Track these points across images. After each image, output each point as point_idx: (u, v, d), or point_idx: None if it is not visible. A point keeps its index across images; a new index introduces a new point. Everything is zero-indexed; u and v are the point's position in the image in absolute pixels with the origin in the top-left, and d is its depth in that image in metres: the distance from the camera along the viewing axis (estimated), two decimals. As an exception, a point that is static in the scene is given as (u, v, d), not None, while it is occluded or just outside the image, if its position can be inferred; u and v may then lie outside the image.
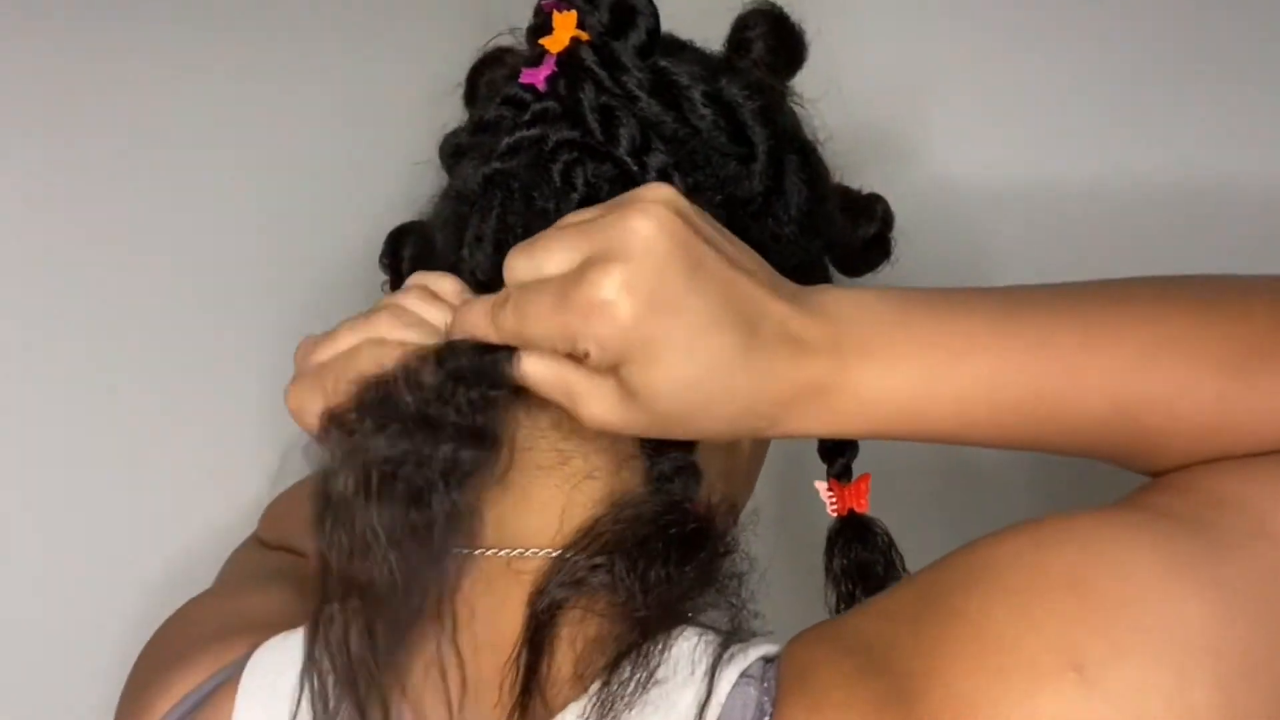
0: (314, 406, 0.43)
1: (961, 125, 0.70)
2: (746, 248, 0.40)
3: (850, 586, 0.51)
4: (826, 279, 0.53)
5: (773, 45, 0.49)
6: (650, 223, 0.37)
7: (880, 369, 0.38)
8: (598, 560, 0.40)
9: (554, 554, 0.41)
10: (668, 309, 0.36)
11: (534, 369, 0.40)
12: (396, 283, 0.54)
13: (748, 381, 0.38)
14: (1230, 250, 0.60)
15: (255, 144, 0.72)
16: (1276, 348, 0.36)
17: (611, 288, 0.36)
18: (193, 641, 0.48)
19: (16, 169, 0.62)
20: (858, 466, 0.53)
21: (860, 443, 0.53)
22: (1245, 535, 0.35)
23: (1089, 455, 0.40)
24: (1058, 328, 0.38)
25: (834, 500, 0.53)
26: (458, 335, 0.42)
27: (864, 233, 0.52)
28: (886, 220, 0.53)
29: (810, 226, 0.49)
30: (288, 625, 0.44)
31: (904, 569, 0.51)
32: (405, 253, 0.54)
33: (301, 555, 0.61)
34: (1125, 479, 0.41)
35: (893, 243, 0.53)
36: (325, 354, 0.44)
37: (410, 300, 0.45)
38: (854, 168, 0.53)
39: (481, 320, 0.41)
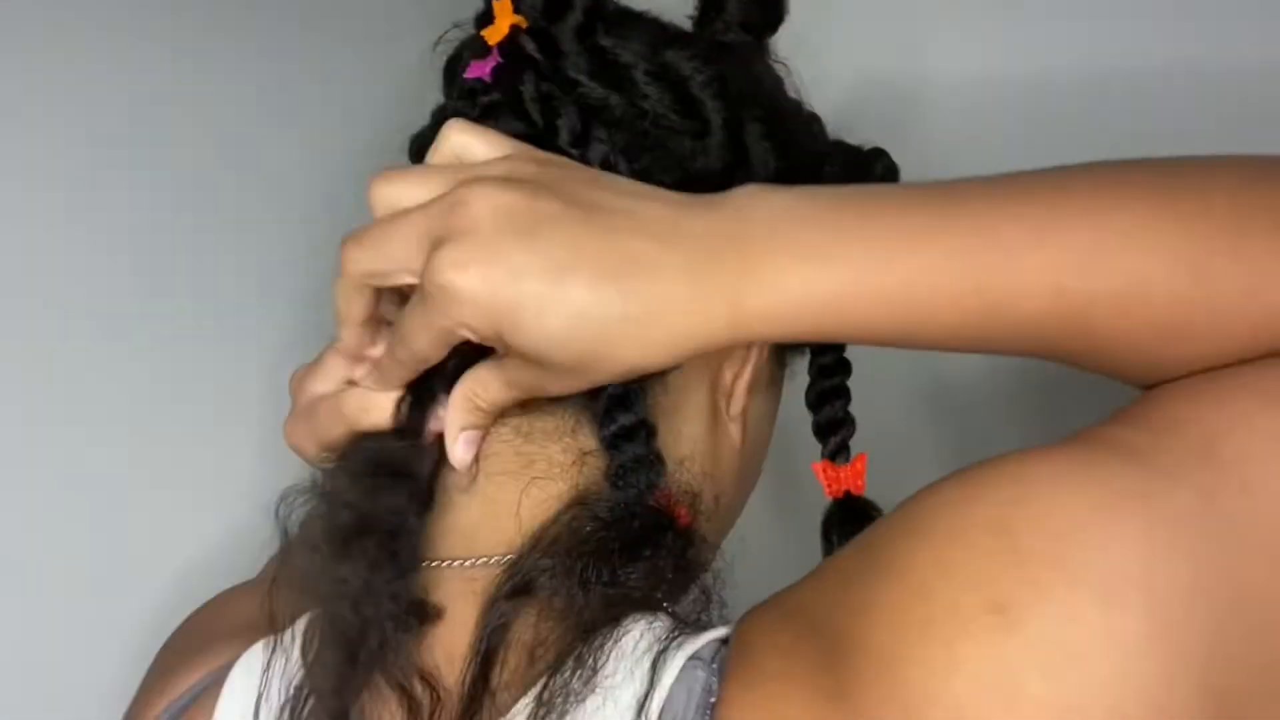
0: (309, 445, 0.46)
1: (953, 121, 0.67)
2: (628, 181, 0.40)
3: None
4: None
5: (746, 3, 0.47)
6: (472, 200, 0.37)
7: (796, 265, 0.36)
8: (544, 563, 0.39)
9: (507, 559, 0.41)
10: (509, 273, 0.36)
11: (452, 416, 0.42)
12: None
13: (632, 310, 0.36)
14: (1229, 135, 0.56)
15: (256, 144, 0.72)
16: (1235, 245, 0.34)
17: (448, 269, 0.37)
18: (194, 643, 0.49)
19: (12, 169, 0.62)
20: (856, 446, 0.51)
21: (858, 422, 0.51)
22: (1191, 464, 0.33)
23: (1041, 355, 0.38)
24: (999, 218, 0.36)
25: (830, 483, 0.51)
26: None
27: None
28: (889, 177, 0.50)
29: None
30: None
31: None
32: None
33: None
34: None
35: None
36: (316, 388, 0.46)
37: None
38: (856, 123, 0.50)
39: (376, 380, 0.43)
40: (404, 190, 0.40)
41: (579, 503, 0.41)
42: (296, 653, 0.41)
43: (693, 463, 0.45)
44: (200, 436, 0.69)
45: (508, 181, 0.38)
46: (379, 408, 0.43)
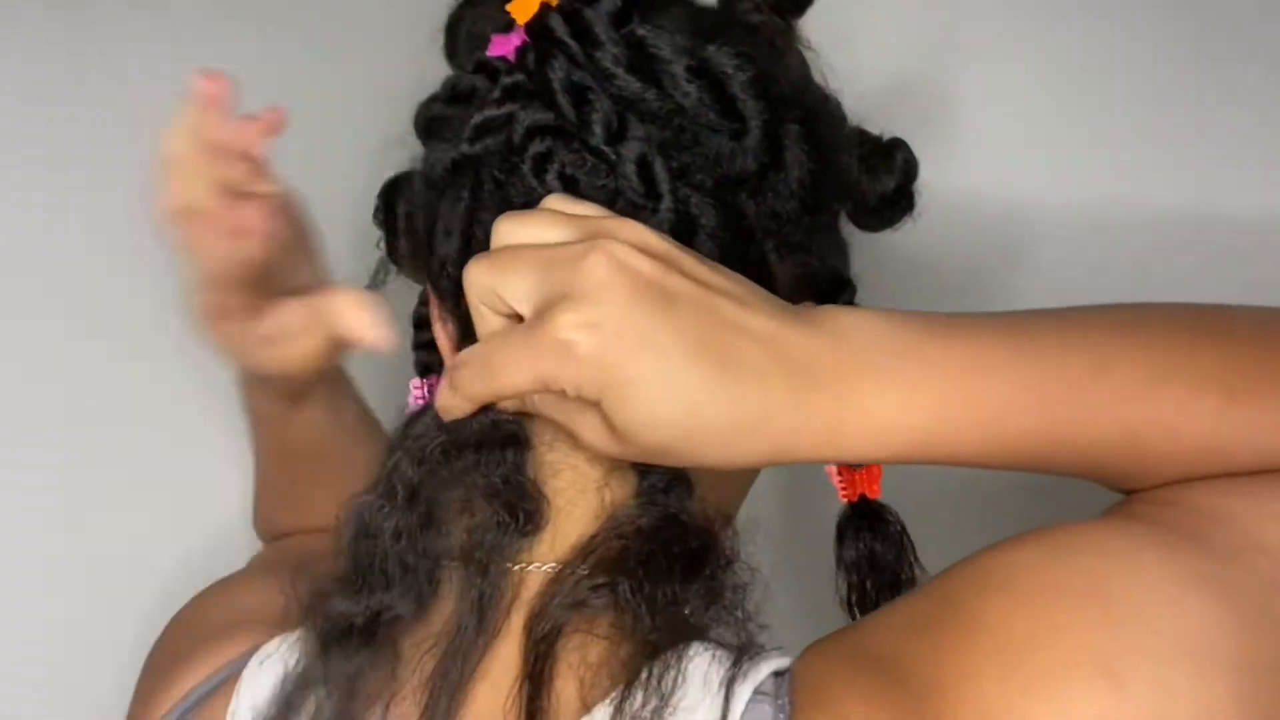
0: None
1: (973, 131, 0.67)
2: (734, 275, 0.39)
3: (861, 578, 0.49)
4: (837, 247, 0.48)
5: None
6: (607, 260, 0.36)
7: (892, 394, 0.37)
8: (600, 580, 0.39)
9: (547, 568, 0.40)
10: (635, 346, 0.35)
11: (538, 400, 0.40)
12: (392, 241, 0.52)
13: (737, 414, 0.36)
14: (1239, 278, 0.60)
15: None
16: (1262, 369, 0.37)
17: (574, 326, 0.35)
18: (194, 639, 0.47)
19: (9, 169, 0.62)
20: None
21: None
22: (1234, 547, 0.35)
23: (1087, 477, 0.40)
24: (1068, 352, 0.37)
25: (844, 486, 0.49)
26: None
27: (883, 186, 0.48)
28: (908, 171, 0.48)
29: (819, 199, 0.45)
30: (285, 621, 0.43)
31: (916, 559, 0.49)
32: (400, 208, 0.51)
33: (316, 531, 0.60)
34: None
35: (916, 195, 0.49)
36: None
37: None
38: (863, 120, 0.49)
39: (445, 398, 0.41)
40: (532, 228, 0.39)
41: (625, 520, 0.41)
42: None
43: (710, 484, 0.44)
44: (196, 437, 0.68)
45: (643, 251, 0.37)
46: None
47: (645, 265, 0.36)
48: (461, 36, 0.48)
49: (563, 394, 0.37)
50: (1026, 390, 0.37)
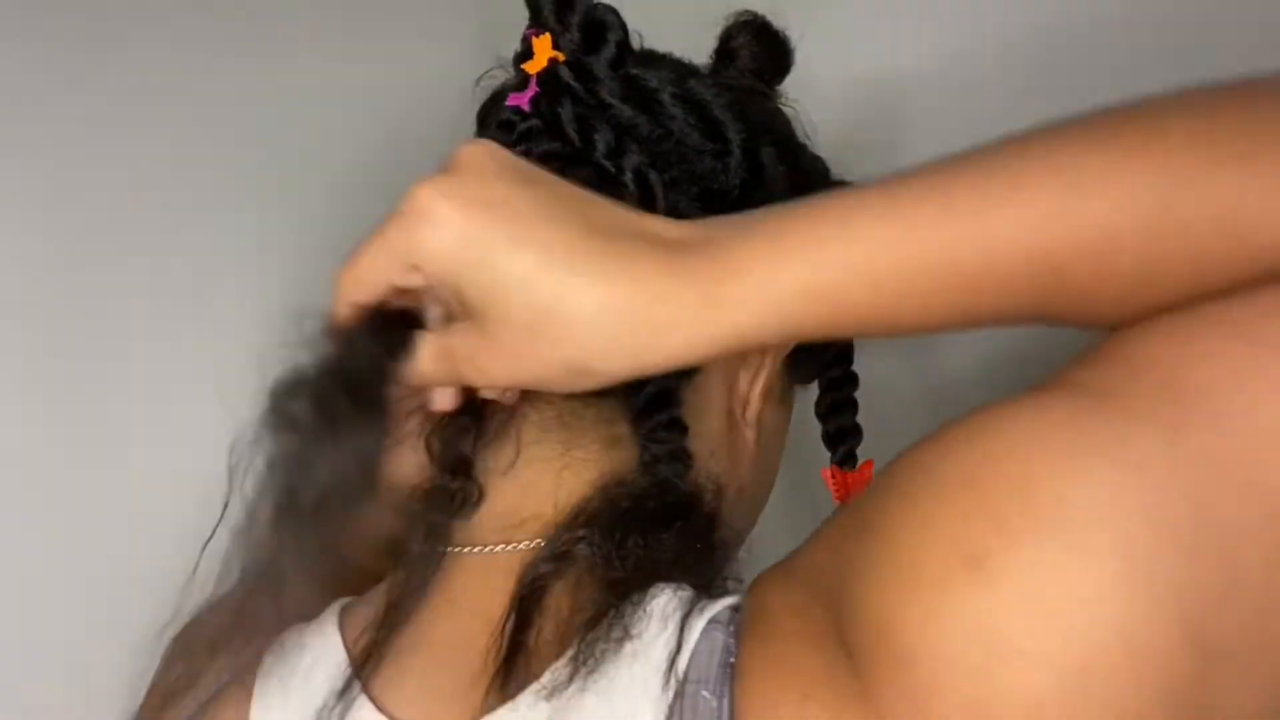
0: None
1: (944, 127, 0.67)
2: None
3: None
4: None
5: (757, 53, 0.52)
6: (475, 147, 0.38)
7: (760, 251, 0.36)
8: (580, 533, 0.42)
9: (536, 543, 0.43)
10: (491, 206, 0.36)
11: (422, 365, 0.40)
12: None
13: (615, 293, 0.36)
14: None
15: (257, 149, 0.73)
16: (1196, 179, 0.33)
17: (433, 195, 0.36)
18: (206, 639, 0.49)
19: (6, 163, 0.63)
20: (862, 453, 0.54)
21: (865, 431, 0.54)
22: (1158, 402, 0.33)
23: (1024, 320, 0.37)
24: (963, 188, 0.35)
25: (838, 488, 0.53)
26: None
27: None
28: None
29: None
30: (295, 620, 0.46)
31: None
32: None
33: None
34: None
35: None
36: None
37: None
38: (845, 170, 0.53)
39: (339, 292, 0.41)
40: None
41: (616, 482, 0.44)
42: (336, 638, 0.44)
43: (715, 460, 0.48)
44: (205, 434, 0.65)
45: (510, 151, 0.39)
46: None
47: (509, 154, 0.38)
48: (491, 125, 0.52)
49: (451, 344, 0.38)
50: (925, 231, 0.35)
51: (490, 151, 0.38)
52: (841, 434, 0.54)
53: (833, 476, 0.53)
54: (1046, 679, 0.30)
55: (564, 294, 0.36)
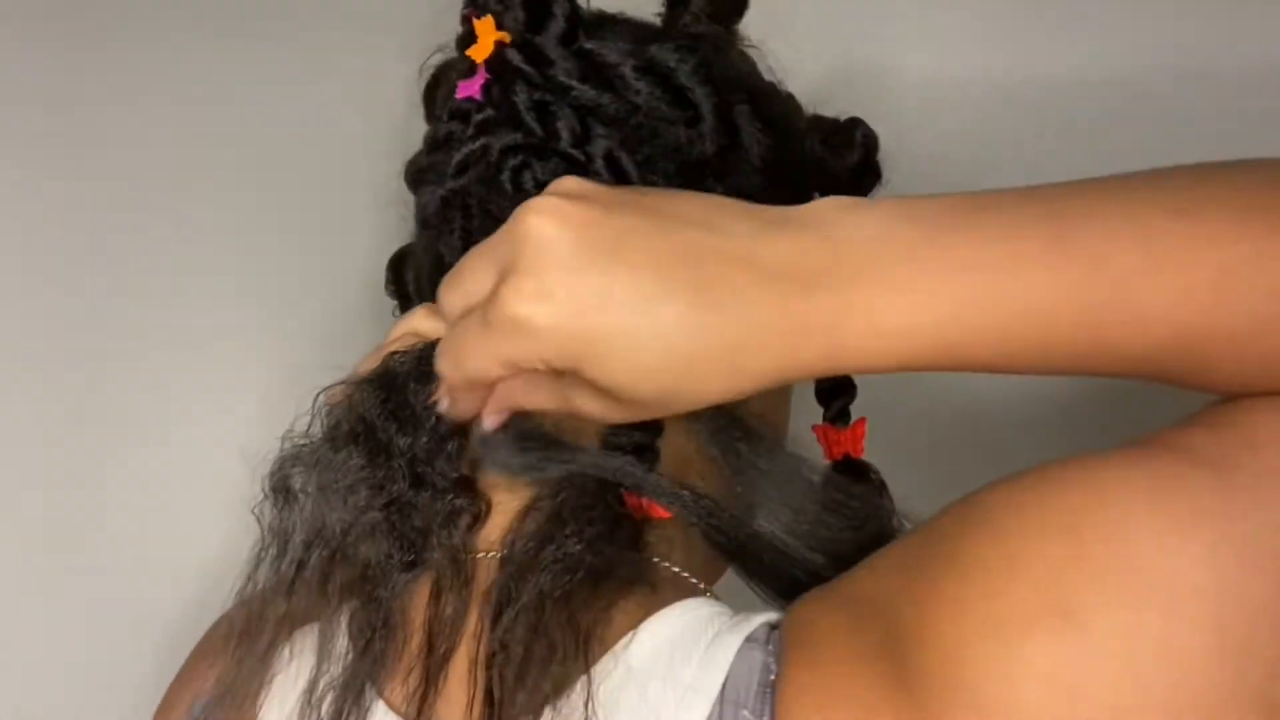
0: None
1: (937, 29, 0.68)
2: (696, 194, 0.38)
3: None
4: None
5: None
6: (541, 220, 0.35)
7: (893, 296, 0.34)
8: (526, 536, 0.40)
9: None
10: (593, 306, 0.34)
11: (493, 418, 0.41)
12: (405, 307, 0.55)
13: (720, 343, 0.34)
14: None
15: (258, 143, 0.73)
16: None
17: (521, 301, 0.35)
18: (223, 636, 0.48)
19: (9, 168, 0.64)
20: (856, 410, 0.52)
21: (859, 387, 0.53)
22: (1269, 482, 0.32)
23: (1140, 379, 0.36)
24: (1116, 244, 0.33)
25: (829, 445, 0.51)
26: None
27: (847, 161, 0.50)
28: (868, 144, 0.50)
29: (781, 172, 0.47)
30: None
31: (894, 514, 0.49)
32: (408, 276, 0.54)
33: None
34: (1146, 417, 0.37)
35: (880, 165, 0.51)
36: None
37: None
38: (827, 99, 0.52)
39: (441, 394, 0.41)
40: (463, 271, 0.39)
41: (568, 481, 0.42)
42: (344, 641, 0.41)
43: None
44: (219, 431, 0.69)
45: (577, 197, 0.36)
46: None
47: (582, 211, 0.35)
48: (438, 99, 0.51)
49: (543, 373, 0.37)
50: (1069, 289, 0.33)
51: (562, 222, 0.35)
52: (834, 390, 0.52)
53: (825, 434, 0.51)
54: None
55: (686, 363, 0.35)
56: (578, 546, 0.39)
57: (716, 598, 0.42)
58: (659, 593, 0.40)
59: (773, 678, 0.35)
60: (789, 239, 0.35)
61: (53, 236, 0.66)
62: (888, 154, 0.51)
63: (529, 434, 0.42)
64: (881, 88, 0.68)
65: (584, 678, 0.36)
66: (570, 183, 0.37)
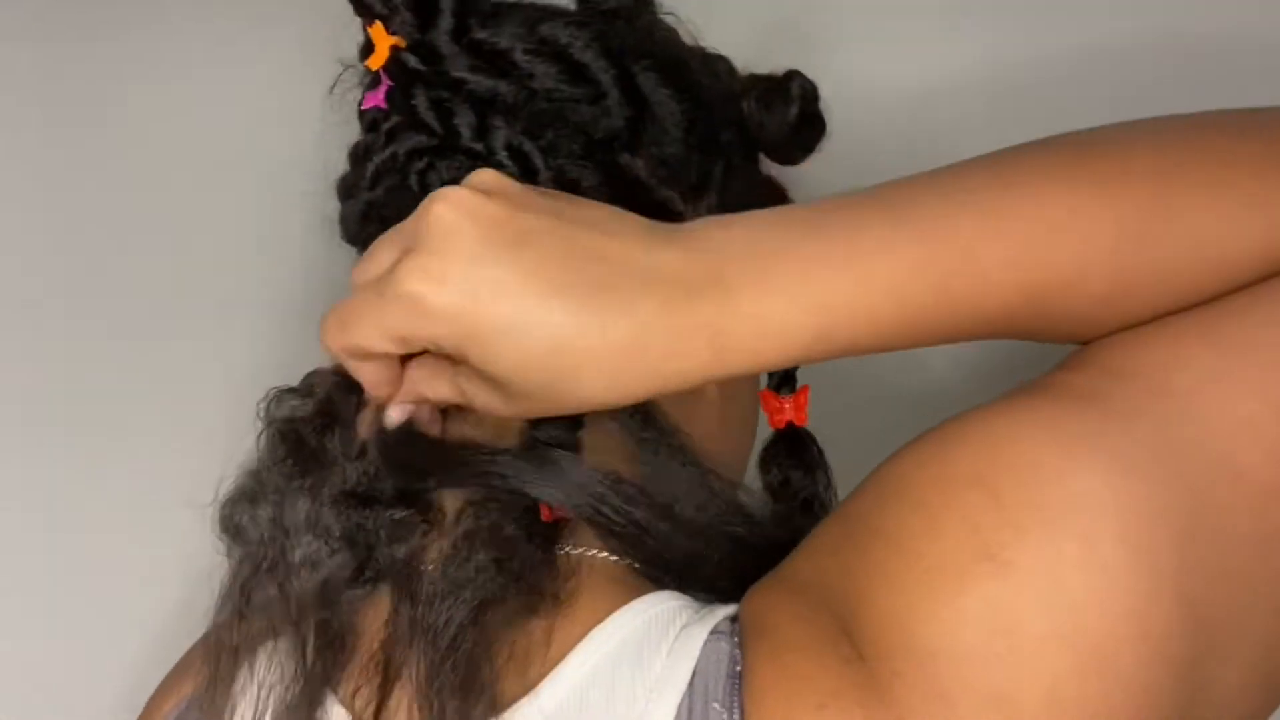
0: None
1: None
2: (595, 203, 0.39)
3: (776, 502, 0.49)
4: (755, 185, 0.51)
5: None
6: (448, 207, 0.36)
7: (772, 296, 0.36)
8: (447, 565, 0.39)
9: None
10: (489, 291, 0.35)
11: (398, 410, 0.41)
12: None
13: (608, 343, 0.36)
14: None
15: (249, 137, 0.72)
16: (1166, 208, 0.37)
17: (417, 279, 0.35)
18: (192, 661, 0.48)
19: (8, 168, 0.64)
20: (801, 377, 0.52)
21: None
22: (1145, 399, 0.36)
23: (997, 337, 0.40)
24: (950, 219, 0.37)
25: (774, 413, 0.51)
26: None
27: (786, 116, 0.48)
28: (806, 95, 0.48)
29: (701, 136, 0.47)
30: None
31: (830, 486, 0.49)
32: None
33: None
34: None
35: (823, 116, 0.49)
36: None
37: None
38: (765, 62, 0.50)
39: (328, 343, 0.40)
40: (373, 252, 0.39)
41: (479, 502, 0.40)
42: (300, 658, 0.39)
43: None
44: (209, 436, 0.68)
45: (489, 193, 0.37)
46: None
47: (492, 208, 0.36)
48: (363, 126, 0.49)
49: (442, 361, 0.38)
50: (913, 269, 0.36)
51: (468, 212, 0.36)
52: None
53: (768, 401, 0.51)
54: (1064, 661, 0.31)
55: (573, 360, 0.36)
56: (486, 567, 0.38)
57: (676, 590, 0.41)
58: (605, 586, 0.39)
59: (739, 669, 0.35)
60: (675, 250, 0.37)
61: (53, 233, 0.67)
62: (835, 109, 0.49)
63: (412, 439, 0.41)
64: (812, 36, 0.66)
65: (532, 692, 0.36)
66: (486, 176, 0.38)
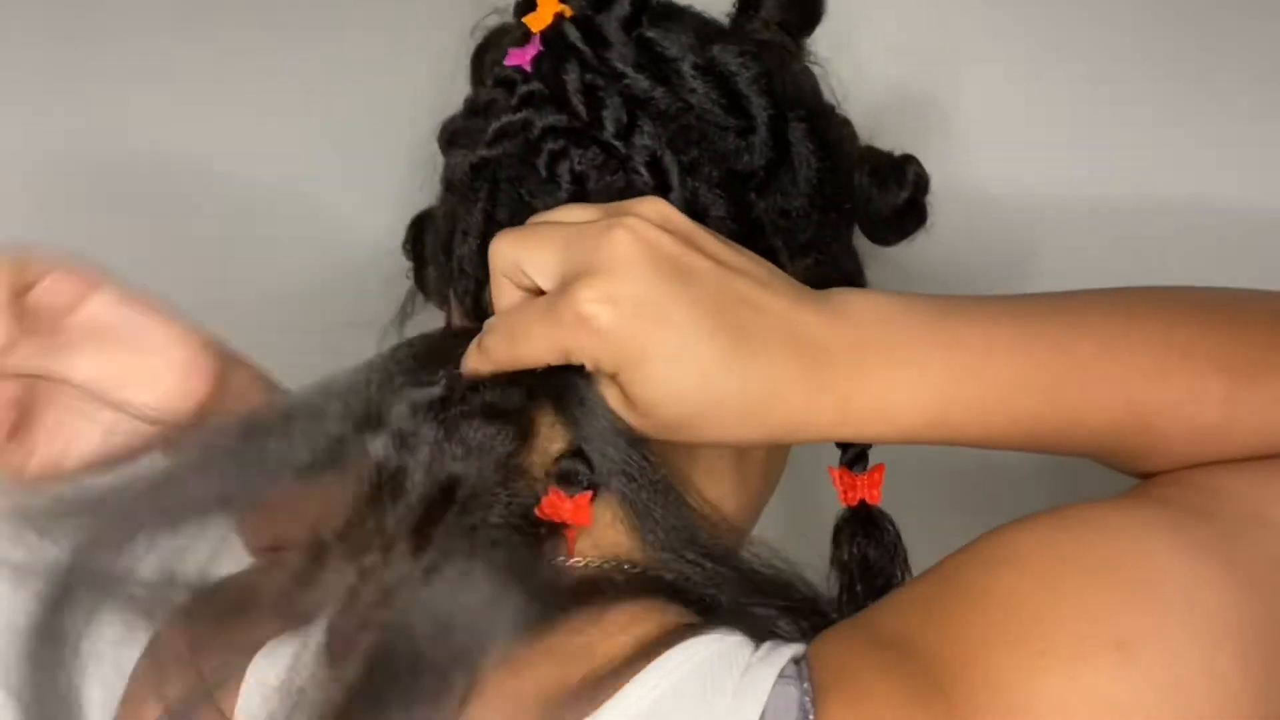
0: None
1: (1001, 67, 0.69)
2: (753, 255, 0.40)
3: (852, 579, 0.48)
4: (849, 253, 0.51)
5: (785, 2, 0.48)
6: (630, 236, 0.37)
7: (901, 374, 0.38)
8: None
9: None
10: (652, 320, 0.37)
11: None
12: (420, 269, 0.55)
13: (749, 389, 0.37)
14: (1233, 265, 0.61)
15: (262, 139, 0.73)
16: (1270, 355, 0.39)
17: (594, 301, 0.37)
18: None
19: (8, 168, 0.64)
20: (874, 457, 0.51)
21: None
22: (1243, 523, 0.37)
23: (1092, 457, 0.41)
24: (1075, 334, 0.39)
25: (846, 490, 0.50)
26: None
27: (894, 199, 0.48)
28: (919, 184, 0.48)
29: (826, 197, 0.47)
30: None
31: (907, 567, 0.48)
32: (427, 238, 0.53)
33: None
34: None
35: (928, 208, 0.49)
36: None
37: None
38: (879, 130, 0.51)
39: (473, 359, 0.41)
40: (560, 211, 0.41)
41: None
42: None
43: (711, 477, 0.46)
44: None
45: (665, 228, 0.38)
46: None
47: (666, 241, 0.38)
48: (487, 63, 0.50)
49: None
50: (1035, 371, 0.38)
51: (648, 242, 0.38)
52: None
53: (841, 478, 0.50)
54: None
55: (714, 399, 0.38)
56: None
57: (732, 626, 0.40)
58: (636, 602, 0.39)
59: (811, 717, 0.35)
60: (823, 315, 0.39)
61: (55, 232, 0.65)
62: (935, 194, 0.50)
63: None
64: (936, 123, 0.68)
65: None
66: (661, 207, 0.39)
